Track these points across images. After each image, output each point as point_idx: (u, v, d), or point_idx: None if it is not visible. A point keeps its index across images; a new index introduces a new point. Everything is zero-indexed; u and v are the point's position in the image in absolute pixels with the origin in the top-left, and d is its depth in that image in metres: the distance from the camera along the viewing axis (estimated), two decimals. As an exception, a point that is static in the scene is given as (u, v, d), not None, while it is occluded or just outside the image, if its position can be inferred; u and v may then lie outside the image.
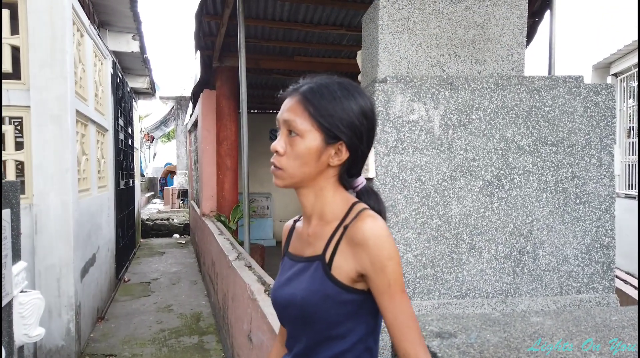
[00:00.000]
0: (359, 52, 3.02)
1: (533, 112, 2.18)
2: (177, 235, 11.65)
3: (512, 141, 2.17)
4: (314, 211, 1.06)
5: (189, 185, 12.56)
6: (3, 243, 2.50)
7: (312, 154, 1.00)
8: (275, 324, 2.17)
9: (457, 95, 2.14)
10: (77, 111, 4.14)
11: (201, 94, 7.03)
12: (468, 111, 2.15)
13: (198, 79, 6.98)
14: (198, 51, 6.50)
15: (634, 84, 7.41)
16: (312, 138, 1.00)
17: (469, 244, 2.16)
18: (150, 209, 14.92)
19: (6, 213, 2.57)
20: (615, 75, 8.13)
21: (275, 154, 1.04)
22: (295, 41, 6.15)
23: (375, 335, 1.03)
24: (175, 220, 12.15)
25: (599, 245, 2.23)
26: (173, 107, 16.60)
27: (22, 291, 2.76)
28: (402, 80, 2.16)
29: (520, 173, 2.18)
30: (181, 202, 15.40)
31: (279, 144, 1.03)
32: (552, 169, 2.19)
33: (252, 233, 7.88)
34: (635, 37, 7.10)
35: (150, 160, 22.31)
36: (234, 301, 3.45)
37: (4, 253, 2.50)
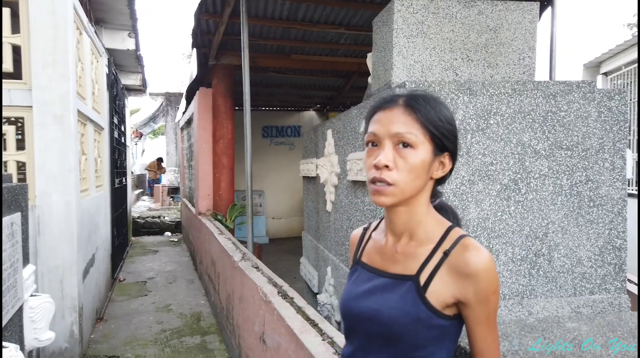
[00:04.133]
0: (369, 55, 3.03)
1: (549, 117, 2.21)
2: (168, 233, 11.56)
3: (529, 146, 2.21)
4: (406, 229, 1.05)
5: (180, 183, 12.46)
6: (14, 247, 2.47)
7: (425, 166, 0.99)
8: (295, 327, 2.18)
9: (475, 100, 2.17)
10: (78, 111, 4.09)
11: (197, 92, 6.98)
12: (486, 116, 2.18)
13: (194, 77, 6.93)
14: (194, 49, 6.45)
15: (622, 81, 7.54)
16: (424, 150, 0.99)
17: (487, 247, 2.19)
18: (140, 206, 14.78)
19: (16, 216, 2.53)
20: (605, 74, 8.26)
21: (377, 169, 0.98)
22: (293, 40, 6.14)
23: None
24: (166, 218, 12.05)
25: (611, 247, 2.28)
26: (162, 103, 16.43)
27: (32, 295, 2.73)
28: (421, 85, 2.18)
29: (536, 177, 2.22)
30: (171, 199, 15.27)
31: (386, 158, 0.97)
32: (567, 173, 2.24)
33: (246, 231, 7.86)
34: (624, 39, 7.23)
35: (138, 157, 22.08)
36: (242, 302, 3.45)
37: (15, 258, 2.47)
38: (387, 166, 0.98)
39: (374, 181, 1.00)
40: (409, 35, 2.52)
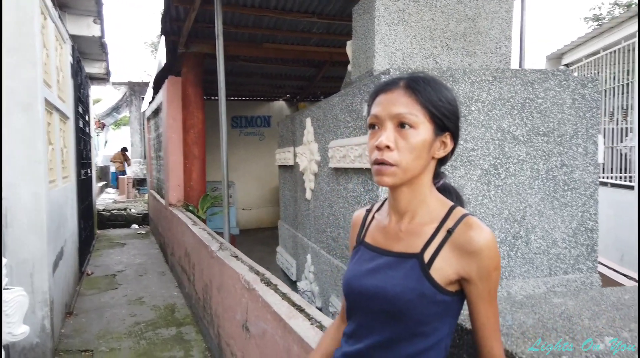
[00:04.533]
0: (348, 43, 3.04)
1: (527, 104, 2.29)
2: (135, 225, 11.32)
3: (508, 132, 2.28)
4: (409, 208, 1.07)
5: (147, 174, 12.19)
6: (-14, 239, 2.37)
7: (426, 146, 1.00)
8: (283, 312, 2.19)
9: (457, 87, 2.21)
10: (45, 99, 3.94)
11: (166, 80, 6.83)
12: (468, 103, 2.23)
13: (162, 66, 6.76)
14: (163, 36, 6.30)
15: (583, 72, 7.83)
16: (425, 129, 1.00)
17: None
18: (104, 199, 14.39)
19: (-13, 207, 2.44)
20: (567, 65, 8.55)
21: (379, 151, 1.00)
22: (265, 28, 6.07)
23: (451, 335, 1.07)
24: (133, 210, 11.78)
25: (584, 229, 2.38)
26: (126, 93, 15.97)
27: (4, 289, 2.64)
28: (405, 72, 2.21)
29: (515, 162, 2.29)
30: (137, 191, 14.93)
31: (387, 139, 0.99)
32: (544, 158, 2.32)
33: (218, 221, 7.79)
34: (585, 32, 7.50)
35: (101, 148, 21.44)
36: (221, 291, 3.43)
37: (-13, 250, 2.37)
38: (388, 147, 1.00)
39: (376, 162, 1.02)
40: (391, 23, 2.55)
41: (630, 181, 6.39)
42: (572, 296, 1.46)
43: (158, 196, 8.71)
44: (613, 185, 6.45)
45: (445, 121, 1.03)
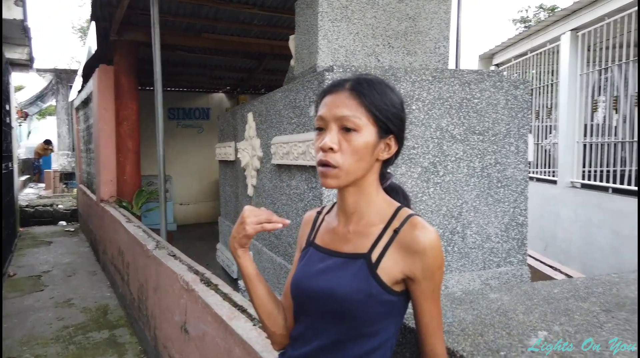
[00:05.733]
0: (291, 37, 3.00)
1: (464, 104, 2.36)
2: (63, 222, 10.68)
3: (446, 130, 2.34)
4: (357, 209, 1.06)
5: (75, 168, 11.53)
6: None
7: (368, 148, 1.00)
8: (224, 314, 2.13)
9: (399, 86, 2.24)
10: (-42, 86, 3.60)
11: (97, 69, 6.46)
12: (409, 102, 2.27)
13: (93, 53, 6.38)
14: (93, 22, 5.94)
15: (512, 72, 8.25)
16: (368, 132, 1.00)
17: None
18: (28, 194, 13.45)
19: None
20: (497, 65, 8.97)
21: (323, 152, 1.00)
22: (204, 18, 5.90)
23: (397, 335, 1.08)
24: (60, 206, 11.11)
25: (515, 224, 2.50)
26: (52, 81, 14.97)
27: None
28: (349, 69, 2.21)
29: (452, 160, 2.36)
30: (64, 186, 14.09)
31: (331, 141, 0.99)
32: (479, 156, 2.41)
33: (154, 217, 7.51)
34: (511, 34, 7.89)
35: (24, 139, 19.99)
36: (158, 292, 3.30)
37: None
38: (331, 149, 1.00)
39: (320, 163, 1.03)
40: (334, 19, 2.54)
41: (552, 176, 6.82)
42: (507, 291, 1.52)
43: (88, 191, 8.26)
44: (538, 180, 6.86)
45: (389, 124, 1.04)
